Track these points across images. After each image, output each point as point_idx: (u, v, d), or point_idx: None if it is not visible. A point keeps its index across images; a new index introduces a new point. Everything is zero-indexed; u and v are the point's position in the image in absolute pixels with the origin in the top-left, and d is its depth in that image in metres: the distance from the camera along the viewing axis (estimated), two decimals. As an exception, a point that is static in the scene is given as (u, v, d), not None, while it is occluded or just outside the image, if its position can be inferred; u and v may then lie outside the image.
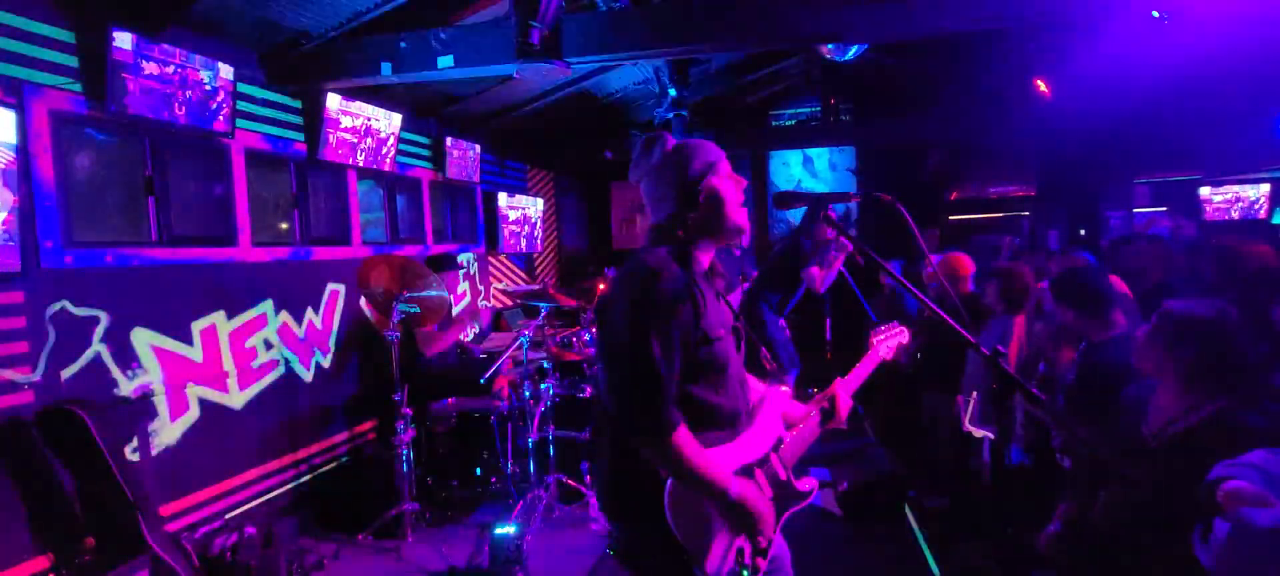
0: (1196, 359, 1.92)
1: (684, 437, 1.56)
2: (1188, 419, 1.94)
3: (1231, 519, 1.43)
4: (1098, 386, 2.51)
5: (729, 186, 1.74)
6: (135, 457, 3.25)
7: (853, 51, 5.90)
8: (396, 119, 4.90)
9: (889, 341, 2.32)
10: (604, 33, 3.69)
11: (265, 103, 4.09)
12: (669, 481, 1.59)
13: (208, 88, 3.48)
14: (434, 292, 4.23)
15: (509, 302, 7.08)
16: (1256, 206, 7.65)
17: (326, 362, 4.53)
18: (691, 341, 1.61)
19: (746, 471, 1.70)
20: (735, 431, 1.74)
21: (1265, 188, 7.63)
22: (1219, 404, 1.90)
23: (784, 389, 1.96)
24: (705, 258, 1.76)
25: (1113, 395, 2.38)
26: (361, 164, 4.69)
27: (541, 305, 4.94)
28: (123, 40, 3.04)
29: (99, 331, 3.13)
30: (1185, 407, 1.96)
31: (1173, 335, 1.98)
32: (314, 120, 4.31)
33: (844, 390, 2.04)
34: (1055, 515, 2.44)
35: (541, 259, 7.89)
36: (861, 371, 2.19)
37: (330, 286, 4.59)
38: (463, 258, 6.28)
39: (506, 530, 3.37)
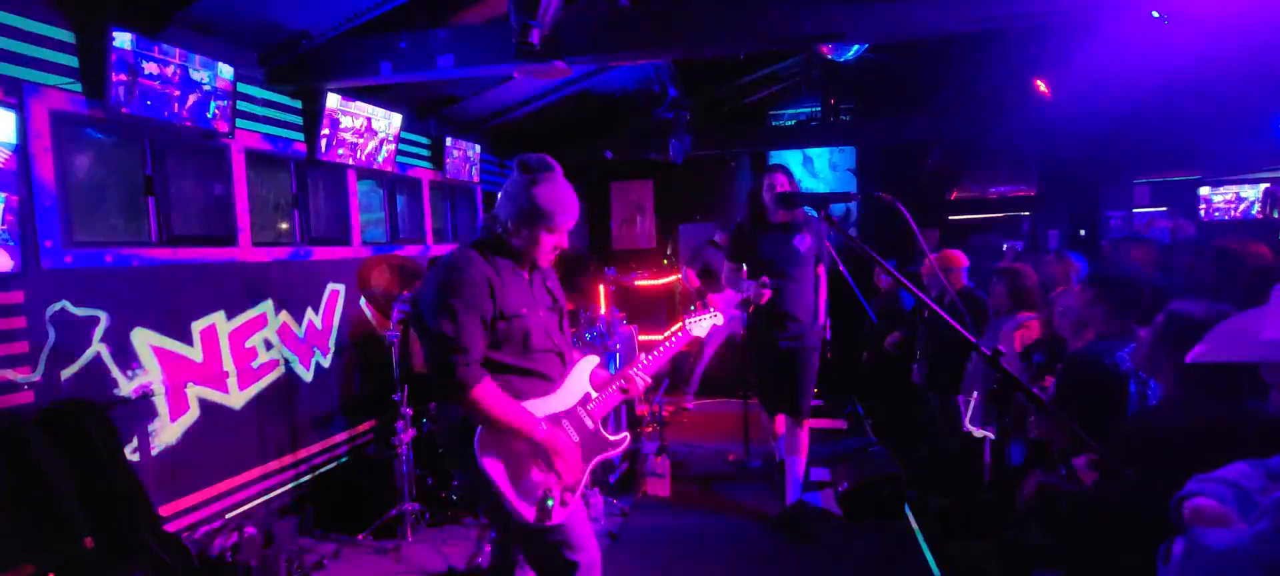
0: (1193, 366, 1.91)
1: (485, 390, 2.01)
2: (1185, 421, 1.93)
3: (1187, 537, 1.38)
4: (1092, 388, 2.51)
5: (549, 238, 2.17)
6: (135, 457, 3.25)
7: (853, 51, 5.89)
8: (396, 119, 4.90)
9: (700, 322, 2.56)
10: (603, 33, 3.69)
11: (265, 103, 4.09)
12: (477, 433, 2.03)
13: (208, 88, 3.48)
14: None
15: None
16: (1255, 206, 7.65)
17: (326, 362, 4.53)
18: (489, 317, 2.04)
19: (554, 420, 2.16)
20: (550, 389, 2.18)
21: (1264, 188, 7.63)
22: (1217, 407, 1.89)
23: (595, 359, 2.35)
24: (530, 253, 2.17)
25: (1103, 397, 2.39)
26: (361, 164, 4.69)
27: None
28: (123, 40, 3.04)
29: (99, 331, 3.13)
30: (1182, 409, 1.96)
31: (1178, 336, 1.97)
32: (314, 120, 4.31)
33: (641, 369, 2.35)
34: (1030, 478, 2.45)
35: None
36: (672, 347, 2.46)
37: (330, 286, 4.59)
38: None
39: (506, 530, 3.37)
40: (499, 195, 2.16)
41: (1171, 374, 2.01)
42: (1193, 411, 1.93)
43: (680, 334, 2.49)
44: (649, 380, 2.35)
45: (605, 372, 2.37)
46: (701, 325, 2.57)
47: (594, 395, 2.28)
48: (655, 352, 2.42)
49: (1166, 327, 2.02)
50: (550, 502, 2.05)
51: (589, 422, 2.24)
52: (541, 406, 2.15)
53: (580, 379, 2.28)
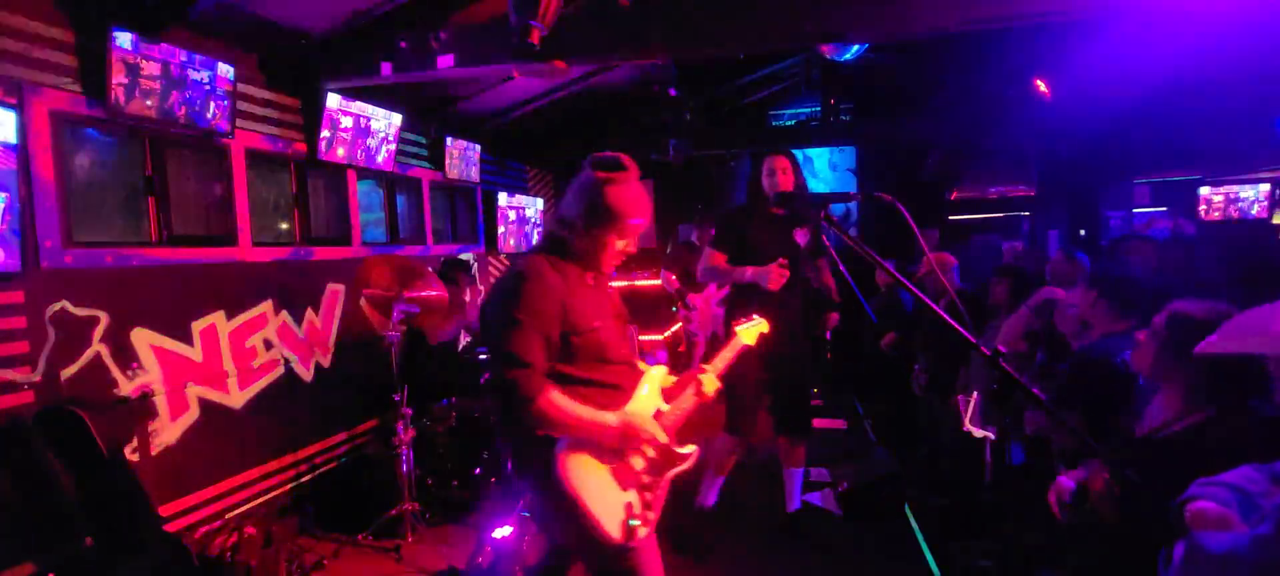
0: (1201, 362, 1.90)
1: (551, 399, 1.87)
2: (1189, 423, 1.92)
3: (1187, 541, 1.38)
4: (1099, 387, 2.50)
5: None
6: (135, 457, 3.25)
7: (853, 51, 5.90)
8: (396, 119, 4.90)
9: (750, 330, 2.55)
10: (603, 33, 3.69)
11: (265, 103, 4.09)
12: (558, 444, 1.89)
13: (208, 88, 3.48)
14: (434, 293, 4.23)
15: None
16: (1255, 206, 7.65)
17: (326, 362, 4.52)
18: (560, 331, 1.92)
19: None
20: (623, 402, 2.04)
21: (1265, 187, 7.63)
22: (1221, 408, 1.88)
23: (663, 368, 2.24)
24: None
25: (1110, 396, 2.38)
26: (361, 164, 4.69)
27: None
28: (123, 40, 3.04)
29: (99, 331, 3.13)
30: (1185, 410, 1.95)
31: (1181, 337, 1.96)
32: (314, 120, 4.31)
33: (713, 372, 2.28)
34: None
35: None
36: (728, 358, 2.40)
37: (330, 286, 4.59)
38: (464, 257, 6.28)
39: (506, 530, 3.36)
40: (566, 195, 2.04)
41: (1175, 375, 2.00)
42: (1197, 413, 1.92)
43: (734, 342, 2.47)
44: (720, 384, 2.25)
45: (672, 383, 2.25)
46: (750, 333, 2.54)
47: (665, 409, 2.14)
48: (717, 360, 2.34)
49: (1168, 329, 2.01)
50: (635, 521, 1.92)
51: (662, 437, 2.06)
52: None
53: (651, 391, 2.14)
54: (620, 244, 2.03)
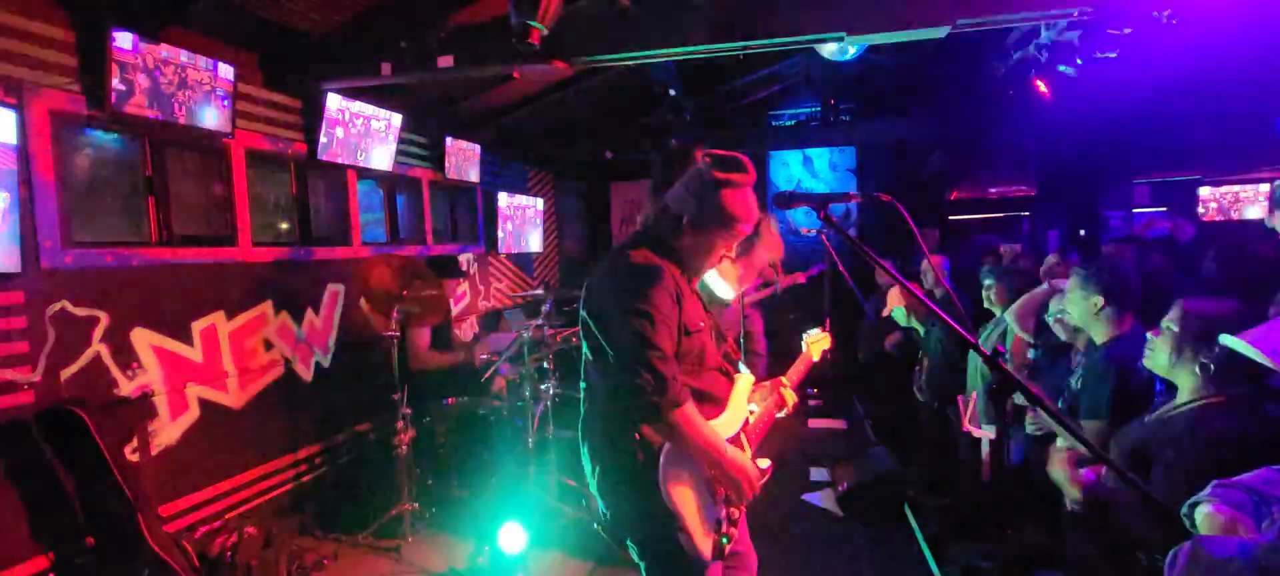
0: (1214, 356, 1.91)
1: (691, 411, 1.77)
2: (1201, 418, 1.92)
3: (1192, 542, 1.37)
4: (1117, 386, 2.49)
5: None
6: (135, 457, 3.25)
7: (853, 51, 5.89)
8: (396, 119, 4.90)
9: (817, 344, 2.57)
10: (603, 33, 3.69)
11: (265, 103, 4.09)
12: (660, 459, 1.79)
13: (207, 88, 3.48)
14: (434, 292, 4.23)
15: (509, 302, 7.08)
16: (1255, 206, 7.65)
17: (326, 362, 4.53)
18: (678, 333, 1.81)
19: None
20: (718, 412, 1.96)
21: (1265, 188, 7.63)
22: (1230, 404, 1.88)
23: (749, 376, 2.15)
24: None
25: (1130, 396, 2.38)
26: (361, 164, 4.69)
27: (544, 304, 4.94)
28: (123, 40, 3.04)
29: (99, 331, 3.13)
30: (1197, 406, 1.95)
31: (1191, 332, 1.97)
32: (314, 120, 4.31)
33: (790, 386, 2.28)
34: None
35: (542, 259, 7.90)
36: (800, 371, 2.42)
37: (330, 286, 4.59)
38: (462, 258, 6.28)
39: (506, 530, 3.37)
40: (676, 188, 1.91)
41: (1189, 370, 1.99)
42: (1213, 414, 1.91)
43: (804, 355, 2.51)
44: (797, 399, 2.23)
45: (757, 392, 2.19)
46: (816, 347, 2.54)
47: (751, 418, 2.08)
48: (795, 369, 2.35)
49: (1181, 325, 2.01)
50: (726, 539, 1.86)
51: (748, 448, 2.01)
52: (719, 430, 1.92)
53: (741, 400, 2.06)
54: (723, 250, 1.93)
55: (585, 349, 1.92)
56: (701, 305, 1.98)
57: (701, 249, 1.91)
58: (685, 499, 1.81)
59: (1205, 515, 1.47)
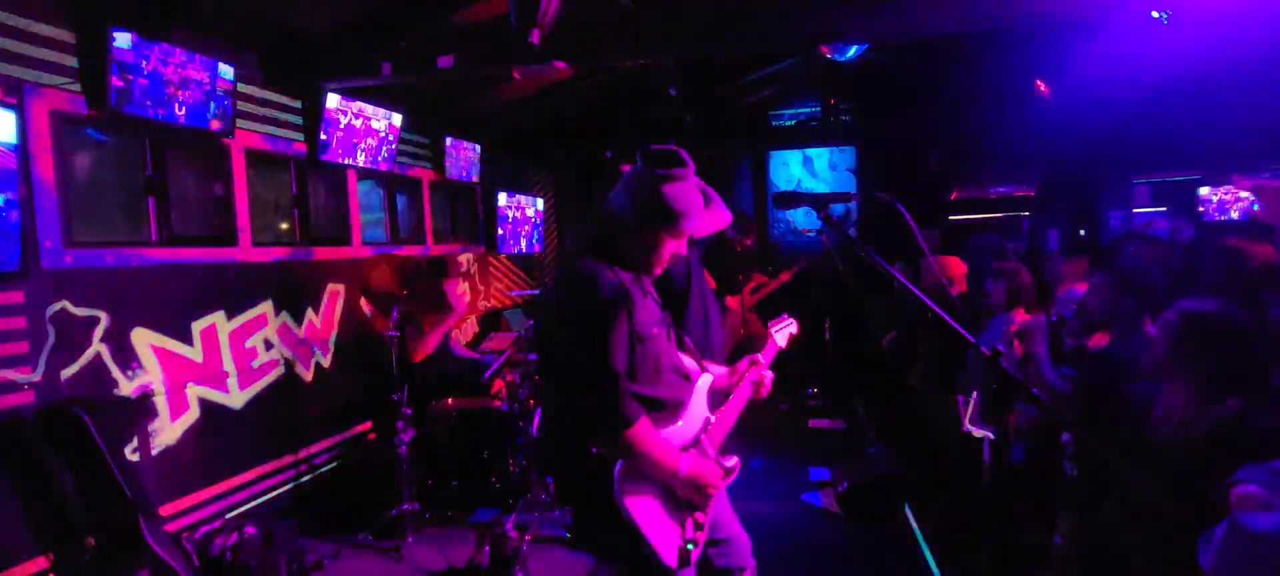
0: (1214, 359, 1.91)
1: (643, 428, 1.75)
2: (1202, 420, 1.92)
3: (1229, 521, 1.44)
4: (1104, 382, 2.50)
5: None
6: (135, 457, 3.25)
7: (853, 51, 5.89)
8: (396, 119, 4.90)
9: (783, 331, 2.51)
10: (603, 33, 3.69)
11: (265, 103, 4.09)
12: (615, 470, 1.76)
13: (208, 88, 3.48)
14: (434, 293, 4.23)
15: (509, 302, 7.08)
16: (1253, 206, 7.64)
17: (326, 362, 4.52)
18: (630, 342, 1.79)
19: (682, 451, 1.90)
20: (675, 417, 1.93)
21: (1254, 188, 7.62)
22: (1233, 405, 1.88)
23: (710, 373, 2.13)
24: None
25: (1113, 391, 2.38)
26: (361, 164, 4.69)
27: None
28: (123, 40, 3.04)
29: (99, 331, 3.13)
30: (1197, 408, 1.95)
31: (1190, 334, 1.97)
32: (314, 120, 4.31)
33: (763, 364, 2.22)
34: (1057, 529, 2.43)
35: (542, 259, 7.90)
36: (768, 355, 2.35)
37: (330, 286, 4.59)
38: (462, 257, 6.28)
39: (506, 530, 3.36)
40: (615, 189, 1.89)
41: (1186, 371, 1.99)
42: (1217, 407, 1.91)
43: (769, 344, 2.45)
44: (772, 373, 2.21)
45: (724, 383, 2.19)
46: (783, 334, 2.50)
47: (712, 419, 2.04)
48: (762, 356, 2.32)
49: (1181, 326, 2.01)
50: (690, 545, 1.85)
51: (710, 450, 1.98)
52: (675, 438, 1.91)
53: (700, 402, 2.03)
54: (673, 247, 1.90)
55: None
56: (657, 306, 1.97)
57: (649, 247, 1.88)
58: (644, 509, 1.80)
59: (1242, 495, 1.51)
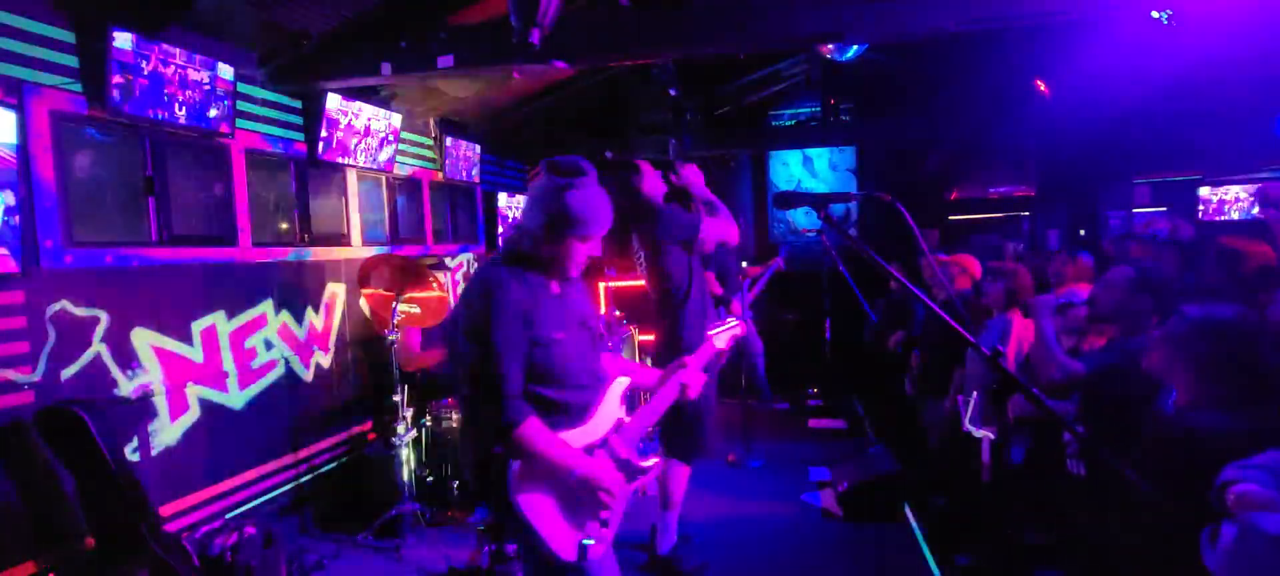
0: (1211, 361, 1.90)
1: (531, 430, 1.84)
2: (1192, 417, 1.92)
3: (1239, 523, 1.41)
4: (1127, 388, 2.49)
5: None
6: (135, 457, 3.25)
7: (853, 51, 5.90)
8: (396, 119, 4.90)
9: (722, 334, 2.53)
10: (603, 33, 3.69)
11: (265, 103, 4.09)
12: (510, 470, 1.84)
13: (208, 88, 3.48)
14: (434, 293, 4.23)
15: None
16: (1256, 208, 7.64)
17: (326, 362, 4.53)
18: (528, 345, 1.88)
19: (588, 451, 1.98)
20: (582, 419, 2.00)
21: (1252, 188, 7.61)
22: (1221, 401, 1.88)
23: (629, 375, 2.21)
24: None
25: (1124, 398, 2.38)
26: (361, 164, 4.69)
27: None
28: (123, 40, 3.04)
29: (99, 331, 3.13)
30: (1203, 409, 1.95)
31: (1188, 337, 1.96)
32: (314, 120, 4.30)
33: (690, 375, 2.28)
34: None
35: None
36: (703, 356, 2.41)
37: (330, 286, 4.59)
38: (462, 257, 6.28)
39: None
40: (524, 201, 1.99)
41: (1192, 377, 1.99)
42: (1218, 415, 1.90)
43: (707, 345, 2.50)
44: (702, 375, 2.26)
45: (639, 390, 2.22)
46: (722, 337, 2.53)
47: (626, 420, 2.12)
48: (693, 359, 2.34)
49: (1185, 331, 2.00)
50: (588, 541, 1.92)
51: (621, 451, 2.06)
52: (577, 438, 1.98)
53: (612, 404, 2.11)
54: (585, 250, 2.00)
55: None
56: (573, 311, 2.04)
57: (561, 254, 1.97)
58: (539, 507, 1.88)
59: (1240, 495, 1.48)
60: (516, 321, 1.86)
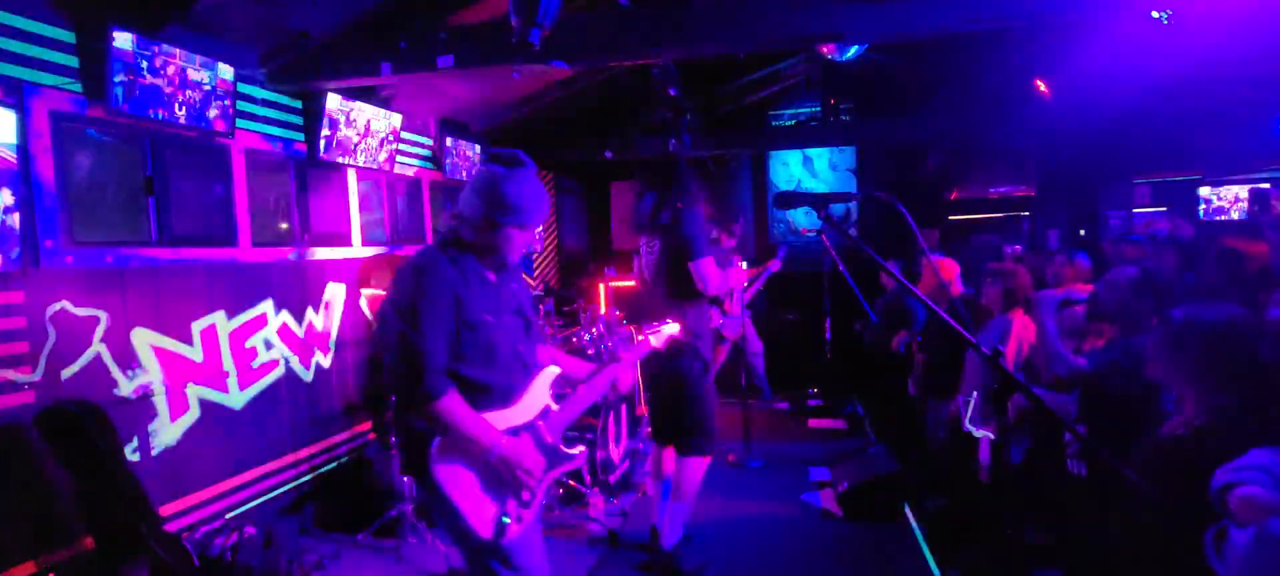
0: (1201, 362, 1.91)
1: (451, 402, 1.91)
2: (1194, 419, 1.92)
3: (1250, 527, 1.38)
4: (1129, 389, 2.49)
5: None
6: (135, 457, 3.25)
7: (853, 51, 5.89)
8: (396, 119, 4.90)
9: (659, 333, 2.66)
10: (604, 33, 3.69)
11: (265, 103, 4.09)
12: (432, 444, 1.93)
13: (208, 88, 3.48)
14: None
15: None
16: (1235, 211, 7.63)
17: (326, 362, 4.53)
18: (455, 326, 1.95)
19: (513, 433, 2.06)
20: (507, 402, 2.08)
21: (1250, 188, 7.60)
22: (1222, 404, 1.88)
23: (560, 366, 2.30)
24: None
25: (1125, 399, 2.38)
26: (361, 164, 4.69)
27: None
28: (123, 40, 3.04)
29: (99, 331, 3.13)
30: (1200, 407, 1.95)
31: (1177, 340, 1.97)
32: (314, 120, 4.31)
33: (623, 370, 2.39)
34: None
35: (541, 258, 7.90)
36: (638, 351, 2.57)
37: (330, 286, 4.59)
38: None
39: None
40: (463, 191, 2.06)
41: (1186, 377, 1.99)
42: (1216, 417, 1.90)
43: (642, 342, 2.62)
44: (635, 376, 2.35)
45: (569, 381, 2.31)
46: (658, 337, 2.64)
47: (553, 407, 2.21)
48: (626, 357, 2.46)
49: (1178, 334, 2.00)
50: (506, 519, 1.99)
51: (547, 437, 2.16)
52: (501, 420, 2.05)
53: (540, 391, 2.19)
54: (522, 239, 2.06)
55: None
56: (507, 299, 2.11)
57: (500, 241, 2.03)
58: (458, 480, 1.95)
59: (1244, 498, 1.46)
60: (445, 299, 1.93)
